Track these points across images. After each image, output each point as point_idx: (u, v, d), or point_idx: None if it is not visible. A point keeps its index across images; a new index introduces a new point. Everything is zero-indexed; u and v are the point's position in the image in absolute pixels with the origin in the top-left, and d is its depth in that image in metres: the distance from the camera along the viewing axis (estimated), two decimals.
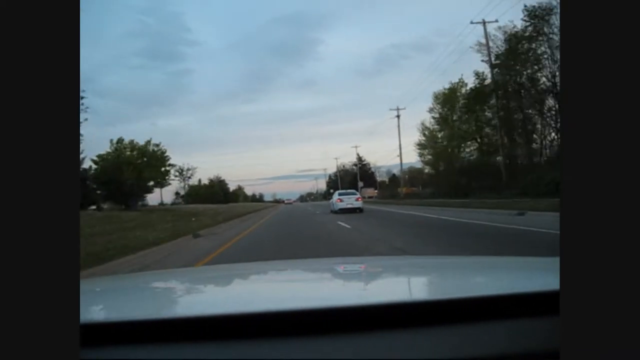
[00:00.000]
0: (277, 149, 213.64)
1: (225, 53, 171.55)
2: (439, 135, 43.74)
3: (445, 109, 41.34)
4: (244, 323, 0.78)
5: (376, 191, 75.90)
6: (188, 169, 78.87)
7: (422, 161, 51.84)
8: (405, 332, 0.76)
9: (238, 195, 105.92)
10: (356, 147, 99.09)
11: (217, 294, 1.31)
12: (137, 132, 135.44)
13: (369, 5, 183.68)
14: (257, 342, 0.74)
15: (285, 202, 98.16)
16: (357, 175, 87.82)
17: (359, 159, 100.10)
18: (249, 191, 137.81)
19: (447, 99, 40.92)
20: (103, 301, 1.18)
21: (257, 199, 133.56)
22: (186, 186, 77.33)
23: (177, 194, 72.32)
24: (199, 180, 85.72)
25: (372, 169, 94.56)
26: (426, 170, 54.64)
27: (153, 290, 1.38)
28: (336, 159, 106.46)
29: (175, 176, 76.65)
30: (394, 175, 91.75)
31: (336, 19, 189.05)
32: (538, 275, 1.27)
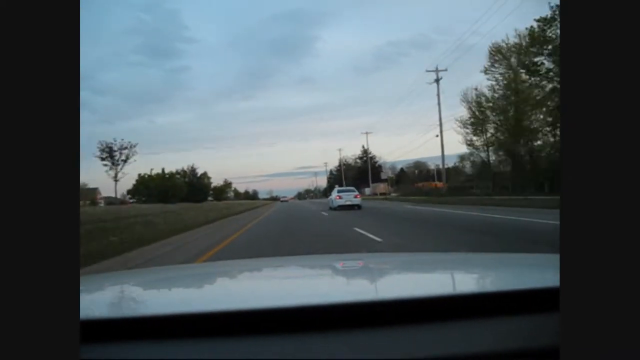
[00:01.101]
0: (275, 145, 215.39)
1: (223, 50, 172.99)
2: (504, 104, 29.96)
3: (530, 57, 26.19)
4: (243, 320, 0.78)
5: (387, 187, 64.74)
6: (123, 148, 48.00)
7: (469, 144, 35.73)
8: (404, 329, 0.76)
9: (223, 191, 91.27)
10: (367, 133, 69.95)
11: (216, 291, 1.31)
12: (135, 130, 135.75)
13: (367, 2, 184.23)
14: (257, 339, 0.74)
15: (281, 199, 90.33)
16: (361, 170, 76.59)
17: (365, 151, 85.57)
18: (245, 188, 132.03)
19: (534, 41, 25.29)
20: (103, 298, 1.18)
21: (251, 195, 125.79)
22: (119, 174, 48.76)
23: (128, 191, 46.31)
24: (162, 170, 55.97)
25: (379, 163, 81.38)
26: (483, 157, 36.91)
27: (152, 287, 1.38)
28: (339, 150, 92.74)
29: (102, 158, 47.52)
30: (402, 170, 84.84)
31: (334, 16, 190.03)
32: (538, 272, 1.27)
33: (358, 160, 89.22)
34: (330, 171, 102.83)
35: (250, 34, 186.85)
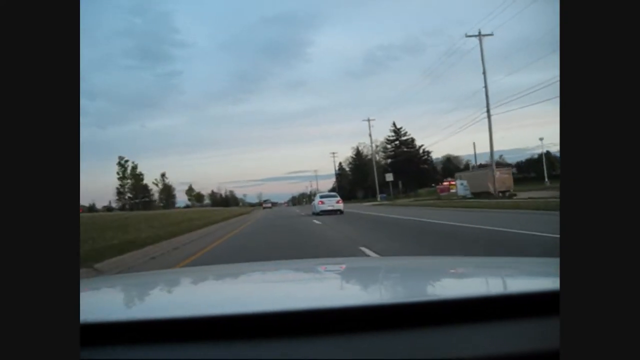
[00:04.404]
0: (268, 150, 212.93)
1: (215, 54, 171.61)
2: None
3: None
4: (241, 323, 0.78)
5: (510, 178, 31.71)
6: None
7: None
8: (402, 333, 0.75)
9: (168, 194, 71.73)
10: (476, 34, 26.31)
11: (214, 294, 1.31)
12: (127, 134, 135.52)
13: (358, 6, 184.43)
14: (255, 343, 0.74)
15: (264, 205, 72.65)
16: (400, 159, 55.73)
17: (397, 131, 61.30)
18: (213, 189, 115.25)
19: None
20: (103, 301, 1.19)
21: (224, 201, 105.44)
22: None
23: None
24: None
25: (425, 149, 59.01)
26: None
27: (150, 290, 1.39)
28: (368, 120, 54.47)
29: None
30: (448, 160, 67.12)
31: (325, 19, 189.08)
32: (538, 276, 1.27)
33: (388, 146, 65.73)
34: (339, 164, 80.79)
35: (242, 37, 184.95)
